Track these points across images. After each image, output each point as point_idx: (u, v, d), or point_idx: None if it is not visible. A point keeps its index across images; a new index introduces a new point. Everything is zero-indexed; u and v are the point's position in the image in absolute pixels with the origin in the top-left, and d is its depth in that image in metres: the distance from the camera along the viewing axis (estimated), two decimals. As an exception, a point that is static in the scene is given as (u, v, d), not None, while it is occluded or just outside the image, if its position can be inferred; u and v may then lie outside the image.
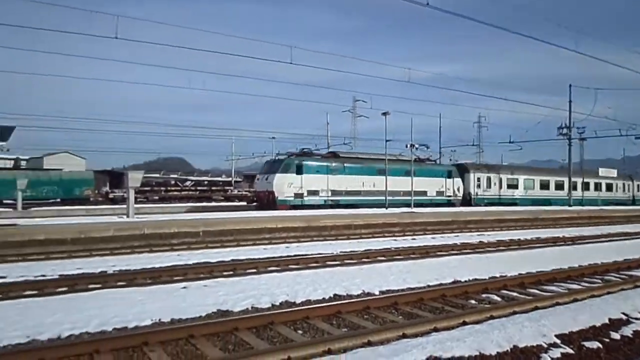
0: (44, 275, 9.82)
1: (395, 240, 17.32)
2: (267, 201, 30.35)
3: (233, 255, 12.60)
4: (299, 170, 31.08)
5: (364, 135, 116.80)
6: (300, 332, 6.29)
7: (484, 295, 8.36)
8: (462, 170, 41.14)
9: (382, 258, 12.67)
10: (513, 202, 42.27)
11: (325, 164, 32.68)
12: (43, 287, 8.78)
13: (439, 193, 38.18)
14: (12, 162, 50.22)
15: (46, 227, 15.98)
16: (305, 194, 31.08)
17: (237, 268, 10.81)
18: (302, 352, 5.23)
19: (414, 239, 17.86)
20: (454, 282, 9.22)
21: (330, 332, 6.22)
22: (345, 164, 33.57)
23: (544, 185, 46.65)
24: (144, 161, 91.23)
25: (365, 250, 13.65)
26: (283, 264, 11.34)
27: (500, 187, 42.43)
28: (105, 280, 9.44)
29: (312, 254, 12.67)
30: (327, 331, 6.29)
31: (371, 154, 37.49)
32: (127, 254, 13.42)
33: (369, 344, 5.62)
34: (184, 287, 8.53)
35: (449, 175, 39.26)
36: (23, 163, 53.39)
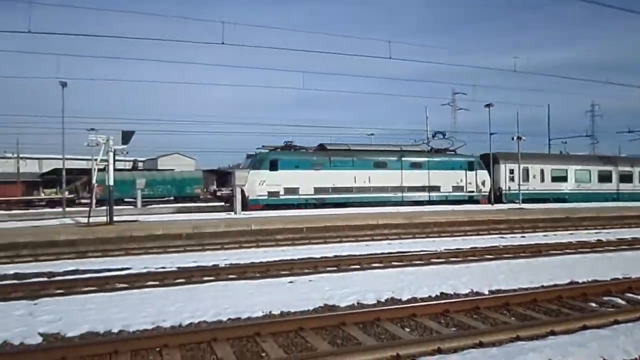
0: (163, 267, 10.60)
1: (503, 237, 16.55)
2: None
3: (336, 251, 12.75)
4: (274, 166, 28.01)
5: (466, 128, 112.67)
6: (407, 329, 6.22)
7: (605, 298, 7.73)
8: (487, 161, 34.63)
9: (490, 256, 12.16)
10: (560, 198, 35.58)
11: (306, 158, 29.32)
12: (163, 278, 9.48)
13: (457, 188, 32.53)
14: (131, 163, 54.76)
15: (164, 223, 17.23)
16: (282, 192, 28.00)
17: (340, 264, 10.93)
18: (411, 350, 5.17)
19: (524, 236, 16.94)
20: (570, 283, 8.63)
21: (439, 331, 6.09)
22: (332, 157, 29.57)
23: (604, 177, 38.23)
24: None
25: (471, 248, 13.20)
26: (386, 261, 11.29)
27: (542, 179, 35.59)
28: (217, 272, 9.98)
29: (414, 251, 12.48)
30: (435, 330, 6.16)
31: (368, 145, 33.72)
32: (236, 248, 14.09)
33: (481, 345, 5.42)
34: (291, 282, 8.79)
35: (470, 167, 33.09)
36: (140, 164, 58.03)
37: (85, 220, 19.28)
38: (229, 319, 6.45)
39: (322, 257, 11.67)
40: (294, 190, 28.31)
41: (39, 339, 5.88)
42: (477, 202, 32.51)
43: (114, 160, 20.28)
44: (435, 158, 32.63)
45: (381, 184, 29.62)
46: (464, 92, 60.98)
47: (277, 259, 11.50)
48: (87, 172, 38.43)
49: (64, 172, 32.57)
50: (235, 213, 22.63)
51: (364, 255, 11.90)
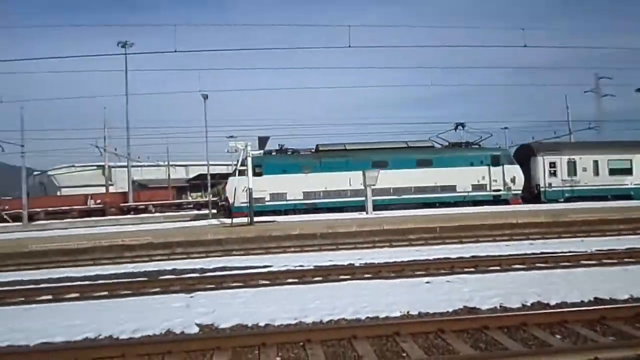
0: (301, 266, 11.04)
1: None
2: (225, 208, 27.35)
3: (473, 251, 12.29)
4: (258, 172, 26.14)
5: (615, 116, 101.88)
6: (558, 336, 5.78)
7: None
8: (524, 154, 30.36)
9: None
10: (625, 194, 28.93)
11: (294, 161, 27.68)
12: (302, 276, 9.87)
13: (478, 187, 28.08)
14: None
15: (300, 224, 17.95)
16: (268, 198, 26.71)
17: (478, 265, 10.49)
18: (563, 359, 4.81)
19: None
20: None
21: (594, 340, 5.58)
22: (322, 159, 27.48)
23: None
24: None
25: (627, 249, 11.89)
26: (529, 262, 10.60)
27: (596, 173, 29.48)
28: (353, 272, 10.15)
29: (562, 252, 11.57)
30: (590, 338, 5.65)
31: (367, 144, 29.83)
32: (369, 248, 14.22)
33: (646, 357, 4.86)
34: (428, 282, 8.63)
35: (495, 162, 28.33)
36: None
37: (229, 221, 20.77)
38: (367, 317, 6.52)
39: (458, 258, 11.31)
40: (281, 196, 27.05)
41: (196, 329, 6.44)
42: (506, 202, 27.99)
43: (253, 165, 21.65)
44: (447, 154, 28.79)
45: (381, 186, 25.29)
46: (608, 76, 54.89)
47: (411, 258, 11.39)
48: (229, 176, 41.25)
49: (208, 177, 35.56)
50: (367, 213, 22.83)
51: (504, 255, 11.31)
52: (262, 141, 25.66)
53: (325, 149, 28.80)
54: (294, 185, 26.95)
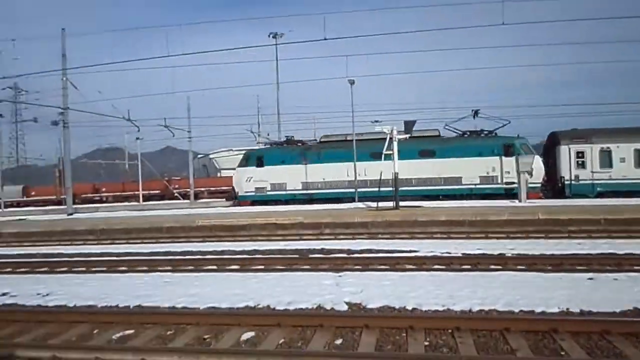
0: (448, 252, 10.81)
1: None
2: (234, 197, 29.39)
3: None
4: (260, 163, 28.29)
5: None
6: None
7: None
8: (551, 143, 26.81)
9: None
10: None
11: (293, 153, 28.21)
12: (449, 263, 9.67)
13: (487, 179, 25.50)
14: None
15: (447, 209, 17.58)
16: (268, 187, 27.93)
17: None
18: None
19: None
20: None
21: None
22: (322, 151, 27.80)
23: None
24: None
25: None
26: None
27: (638, 164, 24.62)
28: (504, 262, 9.64)
29: None
30: None
31: (369, 134, 27.27)
32: (522, 238, 13.40)
33: None
34: (590, 279, 7.91)
35: (507, 151, 25.25)
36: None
37: (374, 204, 21.05)
38: (521, 310, 6.19)
39: (626, 254, 10.16)
40: (281, 186, 27.97)
41: (345, 307, 6.69)
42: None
43: (399, 150, 21.57)
44: (453, 143, 26.79)
45: (379, 177, 23.52)
46: None
47: (570, 252, 10.51)
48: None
49: (354, 162, 36.04)
50: (520, 201, 21.52)
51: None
52: (409, 125, 25.38)
53: (326, 140, 29.44)
54: (293, 176, 27.82)
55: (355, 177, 26.59)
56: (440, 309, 6.36)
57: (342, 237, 15.05)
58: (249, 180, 28.60)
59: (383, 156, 21.92)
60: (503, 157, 25.68)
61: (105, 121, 37.18)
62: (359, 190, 26.43)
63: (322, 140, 30.15)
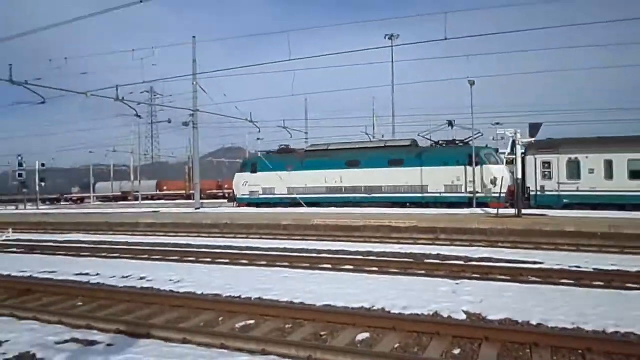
0: (578, 267, 10.00)
1: None
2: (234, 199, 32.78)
3: None
4: (254, 169, 31.32)
5: None
6: None
7: None
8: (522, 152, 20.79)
9: None
10: None
11: (280, 161, 30.86)
12: (579, 278, 8.93)
13: (452, 187, 25.92)
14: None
15: (576, 220, 16.26)
16: (261, 191, 30.88)
17: None
18: None
19: None
20: None
21: None
22: (304, 159, 30.29)
23: None
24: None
25: None
26: None
27: (610, 176, 23.12)
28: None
29: None
30: None
31: (347, 144, 31.27)
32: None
33: None
34: None
35: (471, 161, 25.33)
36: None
37: (494, 211, 20.13)
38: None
39: None
40: (271, 190, 30.51)
41: (463, 316, 6.47)
42: (485, 205, 23.99)
43: (522, 154, 20.42)
44: (420, 153, 27.38)
45: (353, 184, 27.91)
46: None
47: None
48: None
49: (473, 161, 34.72)
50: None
51: None
52: (534, 128, 23.96)
53: (311, 149, 32.28)
54: (280, 182, 30.14)
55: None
56: (569, 327, 5.90)
57: (458, 243, 14.58)
58: (245, 185, 31.76)
59: (505, 160, 21.14)
60: (467, 167, 25.82)
61: (229, 122, 39.39)
62: (334, 195, 28.66)
63: (307, 149, 33.05)
